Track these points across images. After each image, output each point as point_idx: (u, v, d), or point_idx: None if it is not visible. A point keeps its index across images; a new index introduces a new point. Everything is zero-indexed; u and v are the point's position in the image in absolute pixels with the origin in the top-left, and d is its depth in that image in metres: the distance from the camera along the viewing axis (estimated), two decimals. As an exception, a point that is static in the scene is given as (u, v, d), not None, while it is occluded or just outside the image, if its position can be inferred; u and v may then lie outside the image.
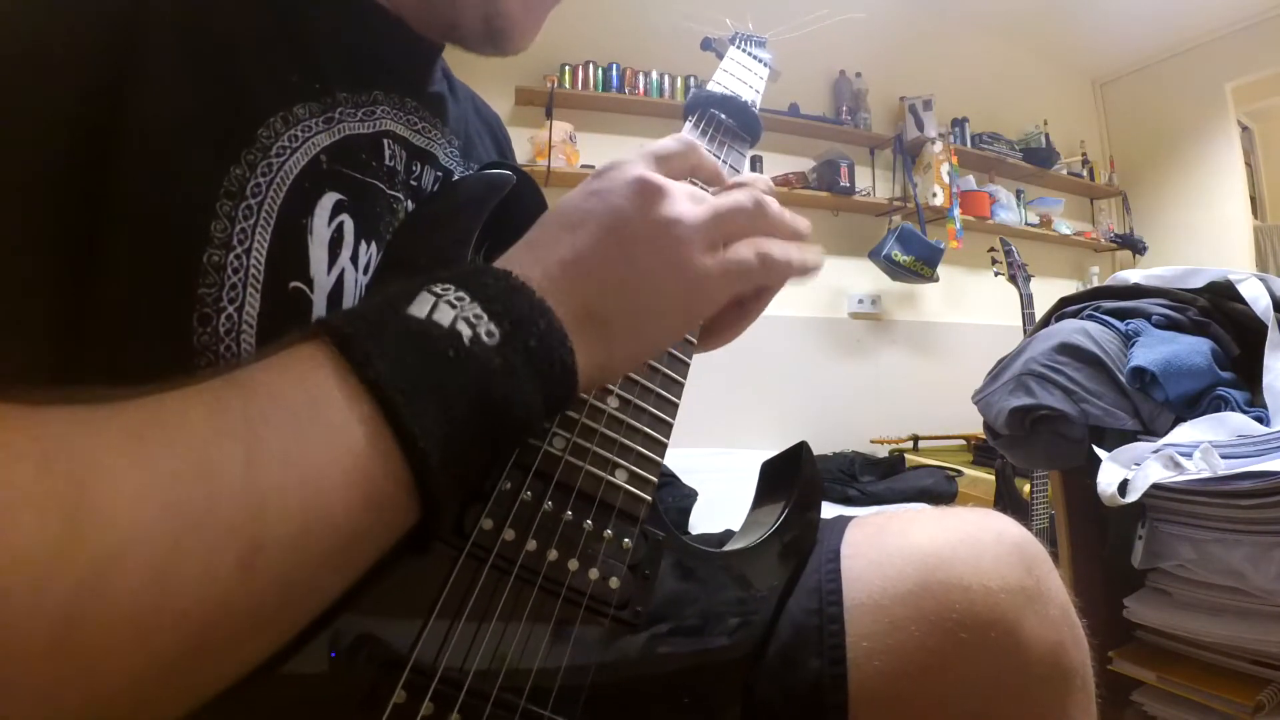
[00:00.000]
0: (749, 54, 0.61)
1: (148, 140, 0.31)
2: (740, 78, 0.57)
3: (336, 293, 0.36)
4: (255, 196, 0.33)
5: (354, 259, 0.38)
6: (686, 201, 0.32)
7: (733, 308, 0.42)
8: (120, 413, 0.21)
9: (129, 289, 0.30)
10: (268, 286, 0.34)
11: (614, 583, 0.32)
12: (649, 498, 0.35)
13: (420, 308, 0.26)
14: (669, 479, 1.68)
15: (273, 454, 0.22)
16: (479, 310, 0.26)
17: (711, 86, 0.54)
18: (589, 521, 0.33)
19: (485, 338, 0.26)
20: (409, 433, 0.23)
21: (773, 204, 0.36)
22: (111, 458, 0.20)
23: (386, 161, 0.41)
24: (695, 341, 0.42)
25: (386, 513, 0.24)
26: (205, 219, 0.32)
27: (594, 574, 0.32)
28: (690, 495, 1.64)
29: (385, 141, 0.42)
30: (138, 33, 0.31)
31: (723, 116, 0.50)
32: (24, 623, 0.18)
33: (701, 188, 0.38)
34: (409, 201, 0.43)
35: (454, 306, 0.26)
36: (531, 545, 0.30)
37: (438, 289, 0.26)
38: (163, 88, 0.31)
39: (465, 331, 0.25)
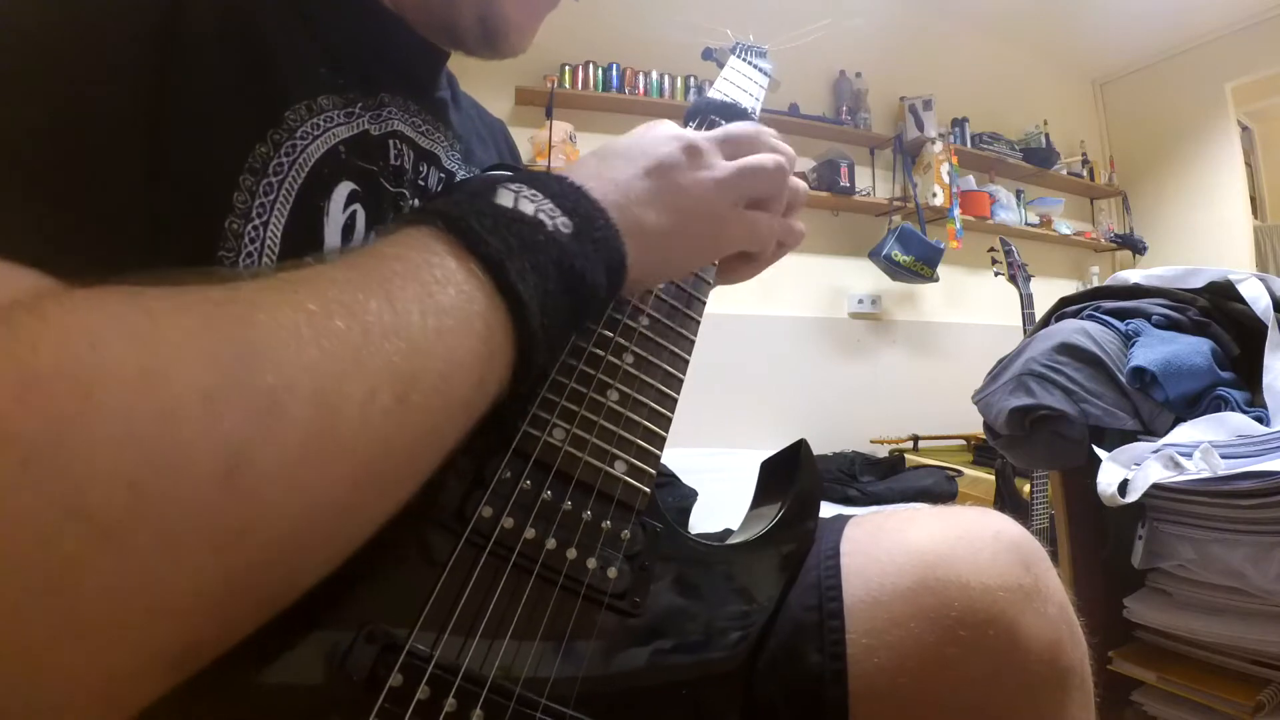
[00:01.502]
0: (750, 63, 0.61)
1: (186, 110, 0.33)
2: (741, 86, 0.57)
3: None
4: (277, 175, 0.35)
5: None
6: (719, 160, 0.39)
7: (742, 258, 0.47)
8: (267, 277, 0.23)
9: (156, 245, 0.32)
10: (282, 258, 0.35)
11: (612, 572, 0.32)
12: (647, 489, 0.35)
13: (505, 199, 0.30)
14: (669, 479, 1.68)
15: (410, 304, 0.24)
16: (552, 206, 0.31)
17: (712, 94, 0.54)
18: (587, 511, 0.33)
19: (563, 228, 0.30)
20: (516, 294, 0.27)
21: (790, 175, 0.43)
22: (269, 304, 0.21)
23: (392, 161, 0.43)
24: (712, 281, 0.47)
25: (498, 364, 0.27)
26: (228, 189, 0.34)
27: (592, 563, 0.32)
28: (690, 495, 1.64)
29: (392, 142, 0.43)
30: (181, 16, 0.34)
31: (723, 123, 0.50)
32: (197, 449, 0.18)
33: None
34: (415, 200, 0.44)
35: (532, 201, 0.30)
36: (530, 533, 0.31)
37: (513, 187, 0.31)
38: (202, 65, 0.34)
39: (546, 222, 0.30)
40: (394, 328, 0.23)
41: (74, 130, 0.29)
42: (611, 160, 0.36)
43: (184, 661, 0.19)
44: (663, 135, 0.38)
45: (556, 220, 0.30)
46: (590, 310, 0.32)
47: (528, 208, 0.30)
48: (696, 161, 0.37)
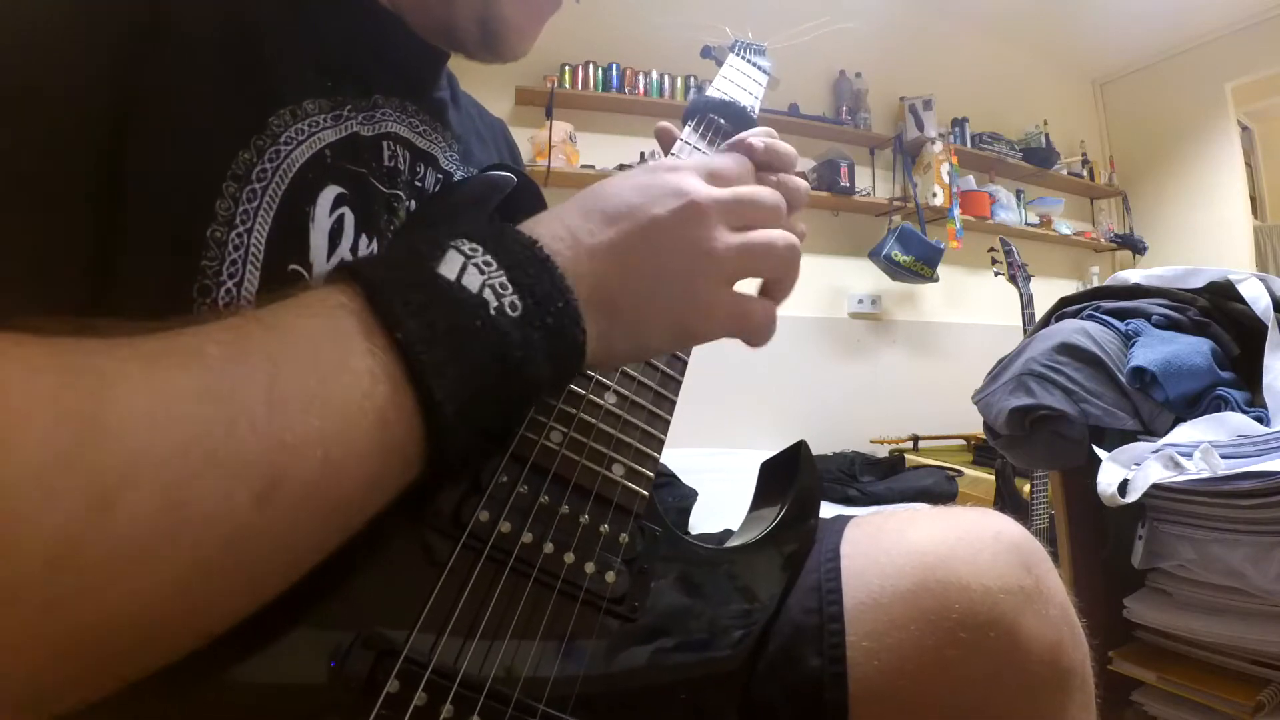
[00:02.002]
0: (749, 61, 0.61)
1: (166, 116, 0.32)
2: (740, 84, 0.57)
3: None
4: (260, 181, 0.35)
5: (354, 250, 0.38)
6: (723, 233, 0.33)
7: None
8: (142, 341, 0.21)
9: (136, 256, 0.31)
10: (267, 265, 0.35)
11: (610, 576, 0.32)
12: (645, 493, 0.35)
13: (450, 268, 0.26)
14: (669, 479, 1.68)
15: (294, 392, 0.22)
16: (505, 280, 0.27)
17: (711, 92, 0.54)
18: (585, 515, 0.33)
19: (509, 310, 0.26)
20: (430, 392, 0.24)
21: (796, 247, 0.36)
22: (130, 379, 0.20)
23: (385, 162, 0.42)
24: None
25: (397, 465, 0.25)
26: (211, 196, 0.33)
27: (590, 567, 0.32)
28: (690, 495, 1.64)
29: (385, 143, 0.42)
30: (163, 14, 0.33)
31: (722, 122, 0.50)
32: (25, 536, 0.17)
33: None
34: (411, 201, 0.43)
35: (481, 272, 0.27)
36: (528, 538, 0.30)
37: (466, 248, 0.27)
38: (186, 72, 0.33)
39: (491, 301, 0.26)
40: (265, 420, 0.21)
41: (29, 142, 0.29)
42: (597, 216, 0.31)
43: (35, 703, 0.19)
44: (666, 188, 0.32)
45: (504, 300, 0.26)
46: (528, 400, 0.29)
47: (473, 281, 0.26)
48: (696, 229, 0.32)
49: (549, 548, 0.31)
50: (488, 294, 0.26)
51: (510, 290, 0.27)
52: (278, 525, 0.21)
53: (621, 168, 2.15)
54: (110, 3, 0.32)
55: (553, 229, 0.31)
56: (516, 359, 0.26)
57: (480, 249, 0.27)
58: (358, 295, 0.25)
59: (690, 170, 0.34)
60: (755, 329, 0.34)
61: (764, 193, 0.36)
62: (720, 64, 0.61)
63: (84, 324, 0.21)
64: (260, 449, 0.21)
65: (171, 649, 0.21)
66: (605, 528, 0.33)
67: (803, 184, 0.45)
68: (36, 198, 0.29)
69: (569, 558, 0.31)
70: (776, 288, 0.37)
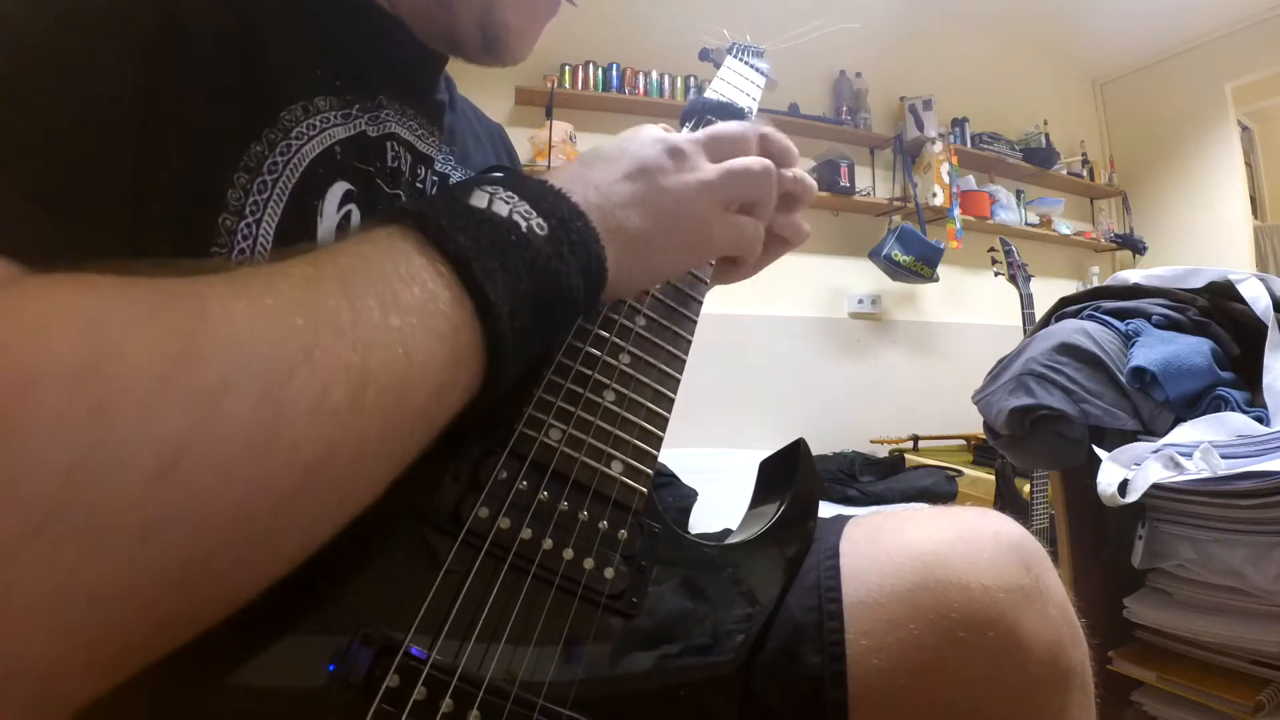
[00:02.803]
0: (747, 64, 0.61)
1: (183, 107, 0.33)
2: (737, 86, 0.57)
3: None
4: (271, 174, 0.35)
5: None
6: (705, 163, 0.38)
7: (730, 261, 0.47)
8: (225, 273, 0.22)
9: (150, 240, 0.32)
10: (275, 256, 0.35)
11: (609, 573, 0.32)
12: (644, 490, 0.35)
13: (479, 200, 0.29)
14: (669, 479, 1.68)
15: (373, 301, 0.24)
16: (527, 207, 0.30)
17: (708, 94, 0.54)
18: (584, 512, 0.33)
19: (537, 229, 0.30)
20: (484, 296, 0.26)
21: (779, 171, 0.42)
22: (223, 298, 0.21)
23: (389, 163, 0.43)
24: (708, 281, 0.47)
25: (463, 370, 0.27)
26: (222, 186, 0.34)
27: (589, 563, 0.32)
28: (690, 495, 1.64)
29: (389, 144, 0.43)
30: (180, 16, 0.34)
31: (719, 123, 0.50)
32: (133, 443, 0.18)
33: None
34: None
35: (507, 203, 0.30)
36: (527, 534, 0.30)
37: (488, 187, 0.30)
38: (199, 65, 0.34)
39: (520, 222, 0.29)
40: (351, 326, 0.22)
41: (62, 131, 0.29)
42: (594, 164, 0.36)
43: (119, 661, 0.19)
44: (646, 139, 0.38)
45: (531, 221, 0.30)
46: (567, 314, 0.32)
47: (501, 209, 0.29)
48: (681, 164, 0.37)
49: (548, 544, 0.31)
50: (516, 218, 0.29)
51: (535, 214, 0.30)
52: (370, 428, 0.23)
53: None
54: (128, 11, 0.32)
55: (558, 176, 0.34)
56: (554, 269, 0.29)
57: (500, 188, 0.30)
58: (406, 225, 0.27)
59: (659, 128, 0.40)
60: (748, 242, 0.40)
61: (731, 127, 0.41)
62: (718, 66, 0.61)
63: (166, 264, 0.22)
64: (350, 349, 0.22)
65: (263, 575, 0.21)
66: (604, 524, 0.33)
67: (808, 177, 0.46)
68: (61, 188, 0.29)
69: (568, 554, 0.31)
70: (758, 209, 0.41)
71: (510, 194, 0.30)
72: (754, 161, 0.40)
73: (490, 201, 0.29)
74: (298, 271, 0.24)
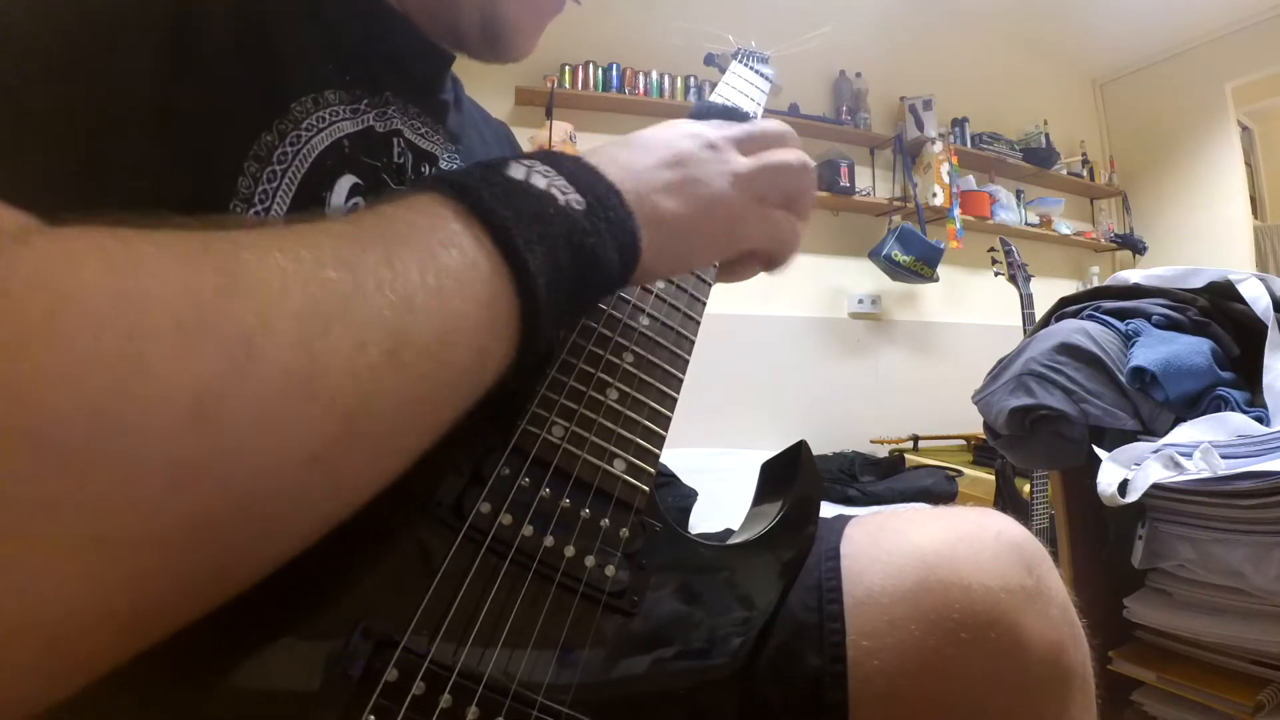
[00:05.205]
0: (752, 69, 0.61)
1: (196, 98, 0.33)
2: (742, 91, 0.58)
3: None
4: (280, 163, 0.36)
5: None
6: (739, 157, 0.38)
7: (753, 257, 0.45)
8: (263, 225, 0.22)
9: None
10: None
11: (610, 570, 0.32)
12: (646, 488, 0.35)
13: (517, 173, 0.29)
14: (669, 479, 1.68)
15: (412, 260, 0.23)
16: (565, 182, 0.30)
17: (714, 98, 0.54)
18: (586, 509, 0.33)
19: (575, 205, 0.29)
20: (524, 265, 0.26)
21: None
22: (260, 247, 0.20)
23: (395, 159, 0.43)
24: (711, 281, 0.47)
25: (501, 338, 0.26)
26: (233, 175, 0.34)
27: (590, 561, 0.32)
28: (690, 495, 1.64)
29: (395, 140, 0.43)
30: (192, 13, 0.34)
31: None
32: (166, 380, 0.17)
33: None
34: None
35: (545, 177, 0.30)
36: (528, 530, 0.30)
37: (525, 161, 0.30)
38: (213, 54, 0.34)
39: (559, 196, 0.29)
40: (389, 282, 0.22)
41: (88, 122, 0.29)
42: (631, 149, 0.36)
43: (135, 624, 0.18)
44: (684, 131, 0.38)
45: (569, 196, 0.29)
46: (600, 289, 0.32)
47: (540, 182, 0.29)
48: (717, 156, 0.37)
49: (550, 541, 0.31)
50: (555, 191, 0.29)
51: (572, 190, 0.30)
52: (407, 386, 0.22)
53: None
54: (141, 15, 0.32)
55: (594, 158, 0.34)
56: (590, 244, 0.29)
57: (538, 162, 0.30)
58: (445, 194, 0.27)
59: (696, 123, 0.39)
60: (783, 237, 0.40)
61: (769, 125, 0.41)
62: (723, 71, 0.61)
63: (203, 219, 0.21)
64: (388, 306, 0.22)
65: (297, 537, 0.21)
66: (606, 522, 0.33)
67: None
68: (73, 183, 0.30)
69: (569, 551, 0.31)
70: (796, 205, 0.41)
71: (547, 168, 0.30)
72: (792, 155, 0.40)
73: (529, 174, 0.29)
74: (338, 229, 0.23)
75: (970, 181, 2.93)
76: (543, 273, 0.27)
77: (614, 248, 0.30)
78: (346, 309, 0.21)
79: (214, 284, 0.19)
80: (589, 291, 0.31)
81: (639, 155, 0.35)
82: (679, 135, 0.37)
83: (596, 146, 0.36)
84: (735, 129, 0.40)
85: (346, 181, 0.39)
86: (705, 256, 0.40)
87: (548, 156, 0.31)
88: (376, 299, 0.22)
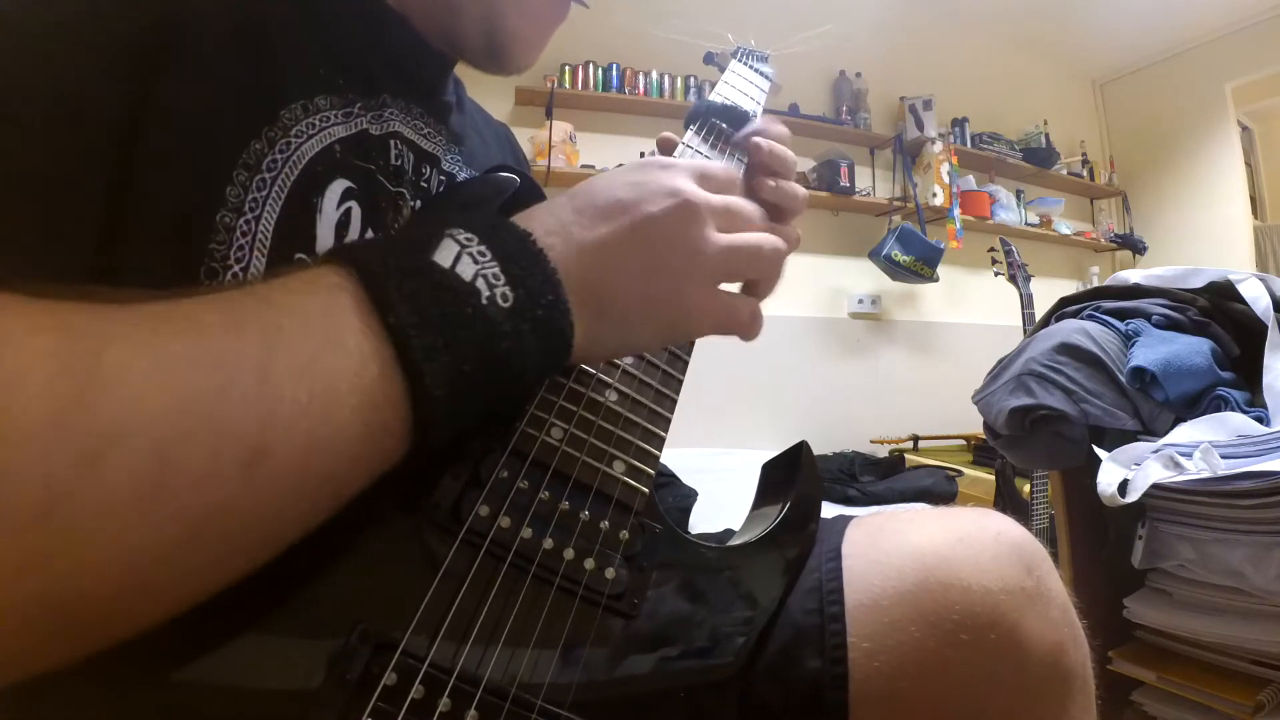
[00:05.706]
0: (751, 68, 0.61)
1: (182, 105, 0.33)
2: (742, 90, 0.58)
3: None
4: (270, 171, 0.35)
5: None
6: (713, 233, 0.34)
7: None
8: (140, 307, 0.22)
9: (147, 238, 0.32)
10: (273, 253, 0.35)
11: (609, 573, 0.32)
12: (645, 490, 0.35)
13: (445, 256, 0.27)
14: (669, 479, 1.68)
15: (286, 366, 0.22)
16: (498, 270, 0.27)
17: (714, 97, 0.54)
18: (585, 511, 0.33)
19: (500, 300, 0.27)
20: (420, 376, 0.24)
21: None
22: (127, 341, 0.21)
23: (392, 161, 0.43)
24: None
25: (384, 446, 0.25)
26: (221, 183, 0.34)
27: (589, 563, 0.32)
28: (690, 495, 1.64)
29: (393, 143, 0.43)
30: (183, 13, 0.33)
31: (724, 126, 0.50)
32: (16, 485, 0.18)
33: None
34: (416, 201, 0.44)
35: (475, 261, 0.27)
36: (527, 533, 0.30)
37: (461, 237, 0.28)
38: (202, 60, 0.34)
39: (484, 290, 0.27)
40: (255, 392, 0.21)
41: (52, 128, 0.29)
42: (590, 211, 0.32)
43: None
44: (660, 187, 0.33)
45: (496, 290, 0.27)
46: (514, 391, 0.30)
47: (467, 270, 0.27)
48: (688, 228, 0.33)
49: (548, 543, 0.31)
50: (480, 283, 0.27)
51: (503, 281, 0.27)
52: (263, 496, 0.22)
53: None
54: (112, 16, 0.32)
55: (546, 223, 0.31)
56: (504, 350, 0.27)
57: (475, 239, 0.28)
58: (353, 276, 0.25)
59: (682, 170, 0.35)
60: (742, 326, 0.36)
61: (749, 205, 0.37)
62: (723, 70, 0.61)
63: (86, 290, 0.21)
64: (250, 418, 0.21)
65: (143, 618, 0.21)
66: (605, 524, 0.33)
67: (801, 191, 0.45)
68: (41, 191, 0.29)
69: (568, 554, 0.31)
70: (759, 288, 0.39)
71: (484, 249, 0.28)
72: (765, 241, 0.35)
73: (457, 259, 0.27)
74: (219, 320, 0.22)
75: (970, 181, 2.93)
76: (441, 385, 0.25)
77: (536, 350, 0.28)
78: (207, 419, 0.21)
79: (76, 387, 0.19)
80: (499, 394, 0.29)
81: (600, 222, 0.31)
82: (655, 192, 0.33)
83: (562, 197, 0.33)
84: (719, 198, 0.35)
85: (339, 186, 0.39)
86: (649, 347, 0.38)
87: (492, 231, 0.28)
88: (240, 408, 0.21)
